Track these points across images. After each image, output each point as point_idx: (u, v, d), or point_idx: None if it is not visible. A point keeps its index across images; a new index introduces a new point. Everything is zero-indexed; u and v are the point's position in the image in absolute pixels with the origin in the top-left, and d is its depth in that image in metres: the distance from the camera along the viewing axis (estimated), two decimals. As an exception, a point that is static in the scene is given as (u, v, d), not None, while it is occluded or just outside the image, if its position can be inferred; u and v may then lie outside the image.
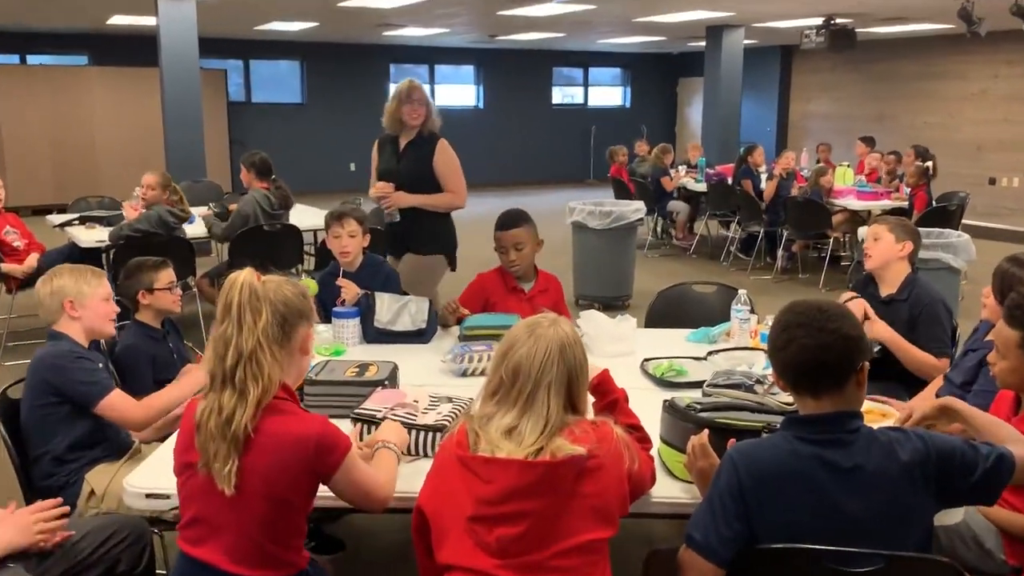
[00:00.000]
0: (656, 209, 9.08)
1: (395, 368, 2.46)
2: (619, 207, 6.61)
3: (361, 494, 1.76)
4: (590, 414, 1.82)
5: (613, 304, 6.53)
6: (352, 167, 13.58)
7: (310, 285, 3.13)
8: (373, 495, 1.78)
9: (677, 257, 8.85)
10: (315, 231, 6.02)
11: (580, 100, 16.48)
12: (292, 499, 1.68)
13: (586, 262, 6.66)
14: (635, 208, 6.60)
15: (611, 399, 1.94)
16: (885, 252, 3.05)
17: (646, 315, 3.56)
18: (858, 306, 2.99)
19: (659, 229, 9.81)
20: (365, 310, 3.03)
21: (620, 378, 2.12)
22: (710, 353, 2.83)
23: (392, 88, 4.05)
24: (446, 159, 3.97)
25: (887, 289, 3.09)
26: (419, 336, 3.04)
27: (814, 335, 1.59)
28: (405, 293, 3.24)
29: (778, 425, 1.72)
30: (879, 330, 2.89)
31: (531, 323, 1.65)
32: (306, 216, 6.15)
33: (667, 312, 3.54)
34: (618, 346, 2.90)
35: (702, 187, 9.03)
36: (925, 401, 1.90)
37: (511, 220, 3.24)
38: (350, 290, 3.10)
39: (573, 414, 1.64)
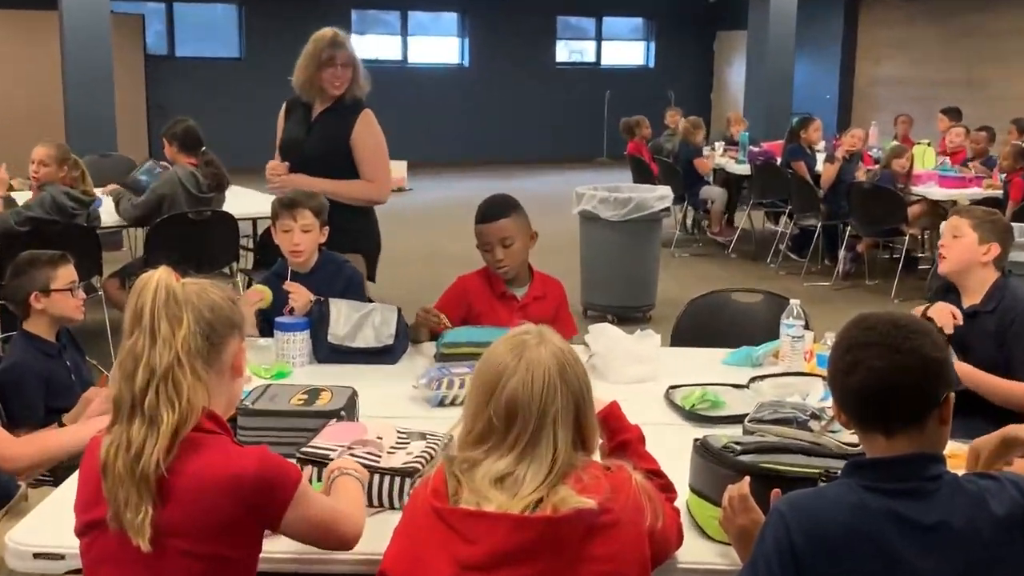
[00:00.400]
0: (686, 196, 9.13)
1: (354, 395, 2.46)
2: (639, 193, 6.64)
3: (323, 531, 1.78)
4: (598, 455, 1.83)
5: (631, 316, 6.56)
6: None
7: (267, 296, 3.16)
8: (339, 530, 1.80)
9: (712, 257, 8.89)
10: (254, 219, 6.03)
11: (591, 58, 16.54)
12: (229, 556, 1.69)
13: (597, 262, 6.69)
14: (659, 195, 6.63)
15: (622, 439, 1.94)
16: (964, 254, 3.07)
17: (673, 330, 3.57)
18: (943, 313, 2.99)
19: (689, 221, 9.85)
20: (317, 321, 3.05)
21: (639, 410, 2.14)
22: (753, 379, 2.85)
23: (316, 41, 3.91)
24: (368, 136, 3.93)
25: (970, 299, 3.10)
26: (385, 354, 3.05)
27: (887, 356, 1.61)
28: (370, 300, 3.26)
29: (839, 472, 1.73)
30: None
31: (514, 344, 1.66)
32: (243, 200, 6.13)
33: (699, 327, 3.56)
34: (637, 369, 2.91)
35: (745, 169, 9.07)
36: (985, 437, 1.91)
37: (495, 210, 3.28)
38: (300, 297, 3.12)
39: (583, 451, 1.66)
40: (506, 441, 1.61)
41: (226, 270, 5.77)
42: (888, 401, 1.62)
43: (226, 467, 1.68)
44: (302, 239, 3.26)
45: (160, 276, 1.73)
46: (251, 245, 5.91)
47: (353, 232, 3.86)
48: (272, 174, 3.93)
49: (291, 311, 3.13)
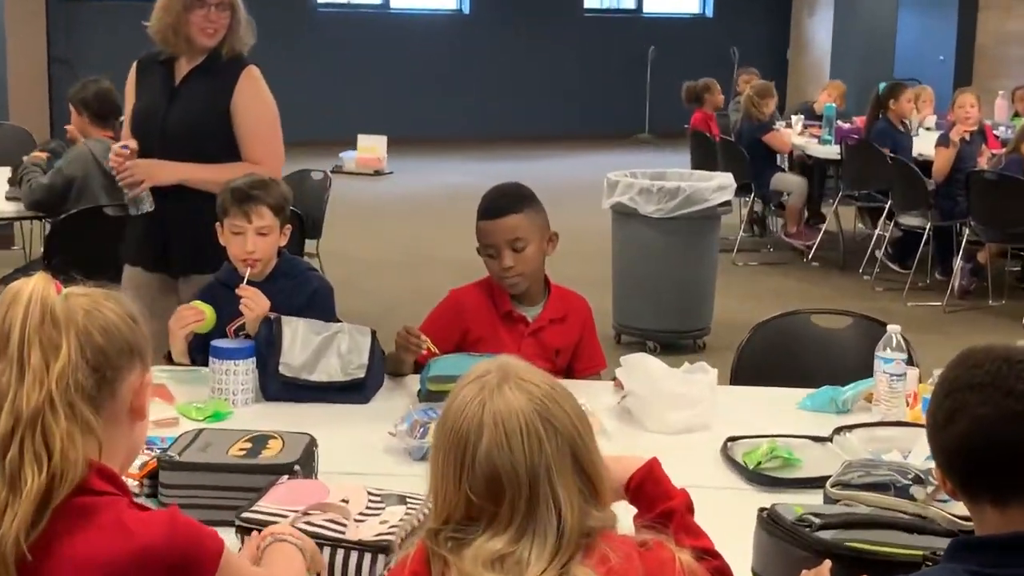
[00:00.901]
0: (753, 186, 9.09)
1: (312, 444, 2.45)
2: (692, 182, 6.62)
3: None
4: (630, 528, 1.81)
5: (679, 344, 6.54)
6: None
7: (207, 315, 3.16)
8: None
9: (787, 267, 8.88)
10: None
11: (630, 3, 16.54)
12: None
13: (634, 273, 6.67)
14: (718, 184, 6.58)
15: (664, 508, 1.92)
16: None
17: (734, 363, 3.55)
18: None
19: (756, 220, 9.81)
20: (266, 345, 3.05)
21: (687, 469, 2.15)
22: (838, 430, 2.82)
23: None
24: (253, 101, 3.93)
25: None
26: (353, 391, 3.05)
27: (995, 401, 1.63)
28: (337, 320, 3.27)
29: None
30: None
31: (474, 392, 1.67)
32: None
33: (768, 359, 3.54)
34: (685, 415, 2.90)
35: (831, 152, 9.05)
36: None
37: (504, 202, 3.28)
38: (258, 305, 3.12)
39: (595, 501, 1.67)
40: (497, 519, 1.61)
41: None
42: (997, 460, 1.63)
43: (125, 542, 1.65)
44: (258, 244, 3.25)
45: (35, 287, 1.70)
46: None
47: None
48: (115, 160, 3.81)
49: (236, 331, 3.12)
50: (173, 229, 3.90)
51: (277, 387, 3.04)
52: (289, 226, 3.35)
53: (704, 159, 9.28)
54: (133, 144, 3.83)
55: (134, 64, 4.05)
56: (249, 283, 3.23)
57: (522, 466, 1.60)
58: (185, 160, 3.85)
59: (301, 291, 3.33)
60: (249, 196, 3.25)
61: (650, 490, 1.94)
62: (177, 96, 3.90)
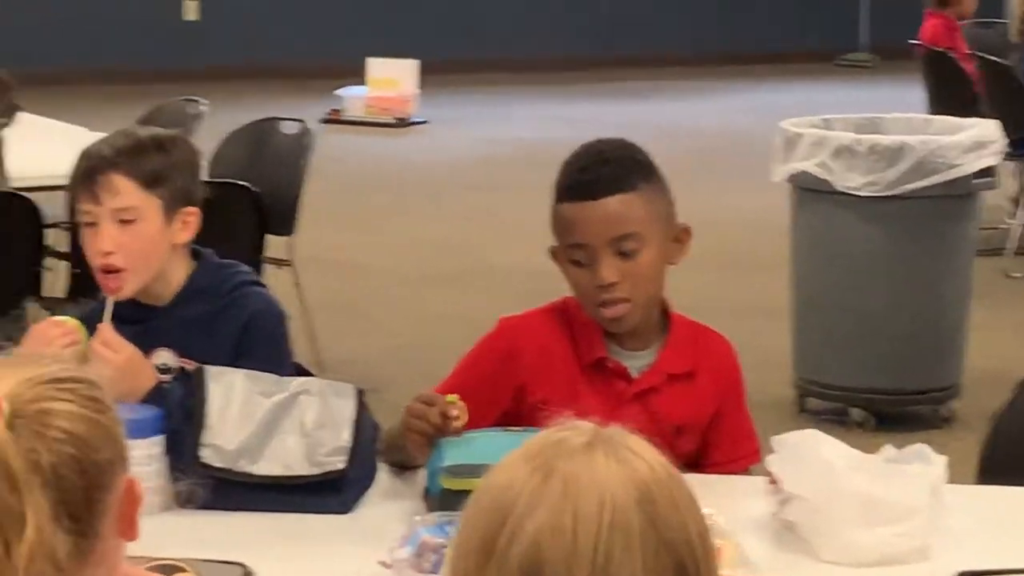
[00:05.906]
0: None
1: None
2: (926, 135, 5.57)
3: None
4: None
5: (906, 412, 5.68)
6: (190, 9, 11.75)
7: (75, 333, 2.90)
8: None
9: None
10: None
11: None
12: None
13: (829, 293, 5.90)
14: (972, 139, 5.61)
15: None
16: None
17: (986, 447, 3.04)
18: None
19: None
20: (179, 415, 2.73)
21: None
22: None
23: None
24: None
25: None
26: (326, 494, 2.76)
27: None
28: (299, 370, 3.03)
29: None
30: None
31: (539, 449, 1.51)
32: (47, 151, 5.45)
33: None
34: (883, 535, 2.58)
35: None
36: None
37: (607, 173, 2.87)
38: (117, 357, 2.82)
39: None
40: None
41: (15, 311, 5.60)
42: None
43: None
44: (115, 238, 2.96)
45: None
46: (65, 247, 5.23)
47: None
48: None
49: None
50: None
51: (204, 490, 2.71)
52: (192, 210, 3.03)
53: (950, 97, 8.13)
54: None
55: None
56: (128, 311, 2.94)
57: (585, 565, 1.41)
58: None
59: (227, 320, 3.02)
60: (100, 161, 2.95)
61: None
62: None
